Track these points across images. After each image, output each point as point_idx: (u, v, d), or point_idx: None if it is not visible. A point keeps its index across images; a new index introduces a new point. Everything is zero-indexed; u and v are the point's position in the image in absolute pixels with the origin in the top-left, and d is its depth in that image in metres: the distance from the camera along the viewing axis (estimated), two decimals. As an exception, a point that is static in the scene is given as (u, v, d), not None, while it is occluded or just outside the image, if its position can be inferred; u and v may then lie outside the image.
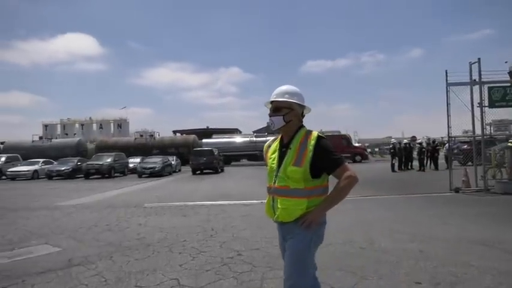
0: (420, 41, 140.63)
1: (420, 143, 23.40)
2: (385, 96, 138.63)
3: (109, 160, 25.17)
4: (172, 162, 27.74)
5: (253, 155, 35.29)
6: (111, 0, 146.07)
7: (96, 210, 9.67)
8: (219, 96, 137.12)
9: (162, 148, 37.40)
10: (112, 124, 67.39)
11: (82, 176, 24.54)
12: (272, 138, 2.58)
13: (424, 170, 21.05)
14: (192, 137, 41.46)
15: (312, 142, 2.25)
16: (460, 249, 5.04)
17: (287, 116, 2.34)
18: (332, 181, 2.34)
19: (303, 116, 2.45)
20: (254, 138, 37.32)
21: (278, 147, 2.42)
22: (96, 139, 46.50)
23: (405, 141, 24.84)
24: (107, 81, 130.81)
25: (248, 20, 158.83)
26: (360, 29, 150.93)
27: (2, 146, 37.99)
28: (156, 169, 23.80)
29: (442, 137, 29.75)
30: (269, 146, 2.54)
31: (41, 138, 40.60)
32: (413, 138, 29.32)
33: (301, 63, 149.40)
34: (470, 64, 11.33)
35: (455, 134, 11.91)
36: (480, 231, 6.15)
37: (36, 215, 9.04)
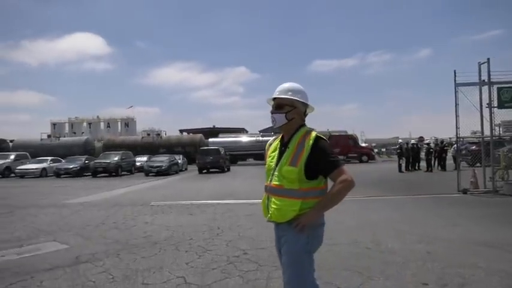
0: (428, 41, 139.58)
1: (428, 144, 23.22)
2: (392, 96, 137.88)
3: (116, 159, 25.34)
4: (179, 161, 27.84)
5: (260, 154, 35.22)
6: (119, 0, 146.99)
7: (104, 208, 9.74)
8: (226, 96, 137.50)
9: (169, 147, 37.56)
10: (119, 123, 67.92)
11: (89, 174, 24.73)
12: (274, 136, 2.56)
13: (431, 171, 20.90)
14: (199, 136, 41.59)
15: (310, 142, 2.19)
16: (468, 251, 5.00)
17: (289, 113, 2.30)
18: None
19: (305, 115, 2.41)
20: (260, 138, 37.29)
21: (278, 146, 2.39)
22: (103, 138, 46.91)
23: (412, 141, 24.67)
24: (115, 81, 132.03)
25: (255, 19, 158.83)
26: (368, 28, 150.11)
27: (11, 144, 38.40)
28: (163, 168, 23.91)
29: (450, 138, 29.54)
30: (270, 145, 2.50)
31: (49, 136, 41.04)
32: (421, 139, 29.14)
33: (308, 62, 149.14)
34: (480, 64, 11.21)
35: (464, 135, 11.79)
36: (488, 233, 6.09)
37: (44, 213, 9.13)
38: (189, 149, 37.54)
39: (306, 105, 2.37)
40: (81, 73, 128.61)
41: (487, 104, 11.09)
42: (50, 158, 27.99)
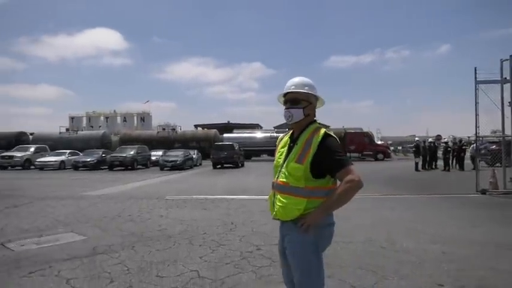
0: (448, 36, 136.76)
1: (446, 142, 22.78)
2: (409, 93, 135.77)
3: (132, 152, 25.69)
4: (194, 156, 28.03)
5: (274, 150, 35.09)
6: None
7: (120, 201, 9.90)
8: (241, 91, 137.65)
9: (184, 142, 37.83)
10: (135, 117, 68.76)
11: (106, 167, 25.13)
12: (285, 132, 2.52)
13: (449, 170, 20.51)
14: (213, 131, 41.76)
15: (317, 140, 2.13)
16: (486, 253, 4.89)
17: (306, 109, 2.25)
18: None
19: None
20: (275, 134, 37.16)
21: (288, 142, 2.33)
22: (120, 132, 47.56)
23: (430, 140, 24.20)
24: (132, 76, 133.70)
25: (272, 15, 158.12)
26: (386, 24, 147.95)
27: (31, 137, 39.33)
28: (178, 162, 24.12)
29: (468, 137, 28.88)
30: (281, 140, 2.44)
31: (67, 130, 41.82)
32: (438, 137, 28.66)
33: (324, 58, 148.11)
34: (502, 61, 10.91)
35: (484, 134, 11.51)
36: (508, 234, 5.96)
37: (62, 204, 9.34)
38: (203, 144, 37.76)
39: (316, 101, 2.33)
40: (99, 68, 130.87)
41: (509, 102, 10.79)
42: (68, 151, 28.57)
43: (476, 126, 11.05)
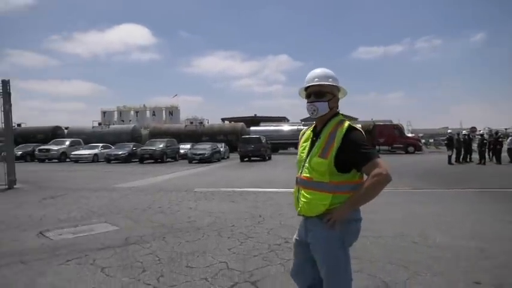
0: (483, 24, 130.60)
1: (482, 135, 21.84)
2: (442, 84, 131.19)
3: (161, 146, 26.24)
4: (221, 149, 28.30)
5: (301, 143, 34.92)
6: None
7: (150, 193, 10.14)
8: (267, 84, 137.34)
9: (211, 135, 38.26)
10: (164, 111, 69.86)
11: (137, 160, 25.81)
12: (299, 125, 2.44)
13: (484, 163, 19.69)
14: (240, 124, 41.93)
15: (341, 133, 2.06)
16: (526, 249, 4.67)
17: (331, 102, 2.19)
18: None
19: None
20: (302, 127, 36.82)
21: (311, 136, 2.27)
22: (149, 125, 48.53)
23: (464, 132, 23.29)
24: (160, 70, 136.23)
25: (298, 6, 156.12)
26: (416, 12, 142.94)
27: (66, 131, 40.91)
28: (206, 155, 24.43)
29: (506, 129, 27.61)
30: (304, 134, 2.39)
31: (100, 124, 43.17)
32: (473, 129, 27.53)
33: (352, 49, 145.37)
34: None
35: (523, 126, 10.95)
36: (549, 231, 5.66)
37: (96, 196, 9.67)
38: (230, 137, 38.02)
39: (339, 92, 2.27)
40: (128, 63, 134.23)
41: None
42: (101, 144, 29.56)
43: (515, 118, 10.52)
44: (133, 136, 37.87)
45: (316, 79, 2.20)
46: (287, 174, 15.32)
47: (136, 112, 70.74)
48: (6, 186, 11.02)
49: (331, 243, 2.11)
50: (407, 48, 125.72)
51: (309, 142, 2.26)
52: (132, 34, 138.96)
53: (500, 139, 21.04)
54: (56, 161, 27.72)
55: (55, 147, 28.61)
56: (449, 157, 20.28)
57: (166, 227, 6.02)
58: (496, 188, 10.51)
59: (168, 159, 26.07)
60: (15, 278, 3.80)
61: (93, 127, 41.43)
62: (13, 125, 12.51)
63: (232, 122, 46.99)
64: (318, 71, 2.24)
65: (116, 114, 70.10)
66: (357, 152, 2.04)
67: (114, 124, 48.60)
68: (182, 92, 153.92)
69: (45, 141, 32.77)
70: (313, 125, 2.33)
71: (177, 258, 4.38)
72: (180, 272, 3.93)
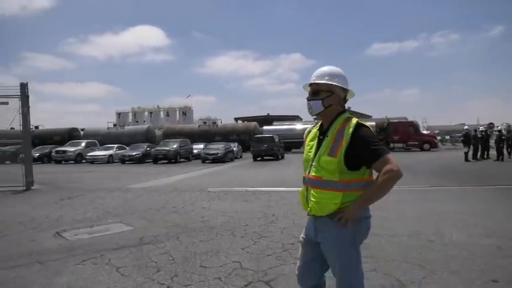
0: (501, 17, 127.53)
1: (499, 131, 21.35)
2: (458, 79, 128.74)
3: (175, 146, 26.46)
4: (234, 149, 28.39)
5: (314, 142, 34.72)
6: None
7: (164, 193, 10.23)
8: (280, 83, 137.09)
9: (224, 135, 38.42)
10: (177, 112, 70.37)
11: (151, 160, 26.09)
12: (313, 124, 2.42)
13: (502, 160, 19.25)
14: (253, 124, 41.99)
15: (350, 130, 2.03)
16: (546, 248, 4.55)
17: (326, 100, 2.14)
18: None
19: (345, 100, 2.23)
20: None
21: (317, 135, 2.23)
22: (163, 126, 48.99)
23: (481, 128, 22.81)
24: (173, 71, 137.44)
25: (311, 4, 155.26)
26: (431, 7, 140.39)
27: (82, 132, 41.63)
28: (219, 155, 24.53)
29: (525, 124, 26.94)
30: (309, 132, 2.34)
31: (115, 125, 43.86)
32: (491, 125, 26.95)
33: (366, 46, 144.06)
34: None
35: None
36: None
37: (111, 196, 9.80)
38: (243, 136, 38.12)
39: (345, 90, 2.19)
40: (142, 65, 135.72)
41: None
42: (115, 145, 30.01)
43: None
44: (148, 137, 38.33)
45: (314, 78, 2.20)
46: (300, 173, 15.24)
47: (151, 113, 71.44)
48: (24, 188, 11.26)
49: (344, 242, 2.10)
50: (423, 43, 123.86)
51: (315, 141, 2.23)
52: (146, 35, 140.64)
53: (519, 135, 20.53)
54: (72, 162, 28.22)
55: (71, 149, 29.14)
56: (466, 154, 19.89)
57: (180, 227, 6.06)
58: (514, 185, 10.26)
59: (181, 160, 26.27)
60: (33, 278, 3.87)
61: (108, 128, 42.10)
62: (31, 127, 12.78)
63: (245, 122, 47.08)
64: (321, 69, 2.23)
65: (130, 115, 70.95)
66: (367, 149, 2.02)
67: (128, 125, 49.33)
68: (195, 92, 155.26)
69: (62, 142, 33.47)
70: (319, 123, 2.30)
71: (191, 258, 4.40)
72: (194, 271, 3.96)
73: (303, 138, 2.44)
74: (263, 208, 7.53)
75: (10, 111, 11.52)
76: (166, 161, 25.37)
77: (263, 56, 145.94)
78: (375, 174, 2.13)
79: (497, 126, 25.96)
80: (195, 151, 28.31)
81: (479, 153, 20.68)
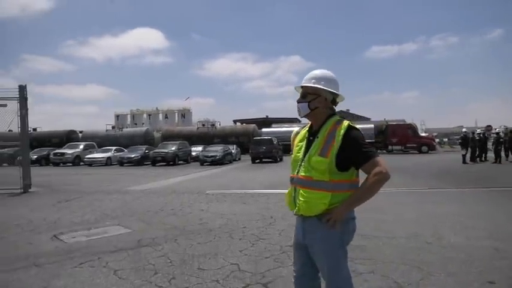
0: (500, 20, 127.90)
1: (497, 133, 21.43)
2: (457, 82, 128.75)
3: (174, 148, 26.42)
4: (233, 151, 28.38)
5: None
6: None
7: (162, 195, 10.21)
8: (279, 86, 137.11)
9: (223, 137, 38.41)
10: (176, 114, 70.28)
11: (149, 163, 26.06)
12: (302, 126, 2.45)
13: (500, 162, 19.32)
14: (252, 126, 42.00)
15: (341, 132, 2.07)
16: (543, 250, 4.56)
17: (313, 102, 2.20)
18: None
19: (335, 103, 2.29)
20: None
21: (306, 136, 2.27)
22: (161, 128, 48.94)
23: (478, 131, 22.87)
24: (172, 73, 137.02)
25: (310, 6, 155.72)
26: (430, 9, 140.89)
27: (80, 134, 41.57)
28: (217, 157, 24.51)
29: (522, 127, 27.04)
30: (297, 133, 2.38)
31: (113, 127, 43.77)
32: (489, 128, 27.03)
33: (365, 48, 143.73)
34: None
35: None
36: None
37: (109, 198, 9.79)
38: (242, 139, 38.10)
39: (333, 93, 2.23)
40: (142, 67, 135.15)
41: None
42: (114, 147, 29.92)
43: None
44: (146, 139, 38.26)
45: (303, 81, 2.27)
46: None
47: (149, 115, 71.34)
48: (22, 190, 11.23)
49: (332, 243, 2.13)
50: (422, 46, 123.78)
51: (305, 142, 2.26)
52: (145, 38, 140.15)
53: (517, 137, 20.60)
54: (70, 164, 28.15)
55: (69, 151, 29.06)
56: (464, 156, 19.94)
57: (178, 229, 6.06)
58: (511, 187, 10.29)
59: (180, 162, 26.25)
60: (30, 282, 3.86)
61: (106, 130, 41.99)
62: (29, 129, 12.75)
63: (244, 124, 47.12)
64: (312, 72, 2.29)
65: (129, 118, 70.82)
66: (358, 151, 2.06)
67: (127, 127, 49.22)
68: (194, 95, 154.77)
69: (60, 145, 33.39)
70: (308, 125, 2.34)
71: (189, 260, 4.40)
72: (192, 274, 3.95)
73: None
74: (261, 210, 7.52)
75: (8, 113, 11.51)
76: (164, 163, 25.33)
77: (262, 58, 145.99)
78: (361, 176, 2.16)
79: (495, 129, 26.01)
80: (193, 153, 28.28)
81: (476, 156, 20.73)
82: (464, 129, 22.06)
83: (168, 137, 38.77)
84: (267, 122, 50.19)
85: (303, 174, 2.16)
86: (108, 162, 27.16)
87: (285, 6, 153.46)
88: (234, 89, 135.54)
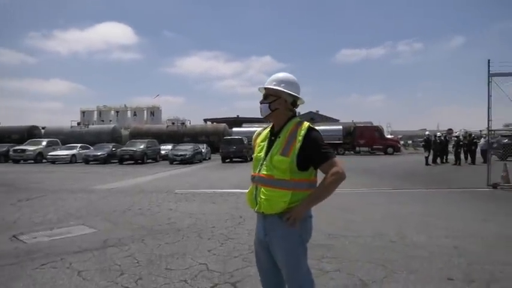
0: (462, 28, 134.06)
1: (457, 136, 22.49)
2: (421, 87, 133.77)
3: (142, 147, 25.89)
4: (203, 150, 28.14)
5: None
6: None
7: (130, 194, 9.99)
8: (251, 85, 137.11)
9: (193, 136, 38.02)
10: (145, 112, 69.04)
11: (116, 161, 25.40)
12: (263, 126, 2.48)
13: (459, 164, 20.28)
14: (223, 125, 41.85)
15: (302, 133, 2.15)
16: (498, 247, 4.83)
17: (273, 104, 2.26)
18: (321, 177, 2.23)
19: (296, 106, 2.35)
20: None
21: (268, 136, 2.34)
22: (130, 126, 47.83)
23: (439, 134, 23.94)
24: (142, 70, 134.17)
25: (282, 8, 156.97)
26: (397, 16, 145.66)
27: (43, 130, 39.87)
28: (187, 156, 24.25)
29: (480, 131, 28.51)
30: (259, 134, 2.44)
31: (78, 124, 42.30)
32: (450, 131, 28.27)
33: (335, 51, 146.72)
34: (516, 53, 10.68)
35: (496, 128, 11.33)
36: (520, 229, 5.86)
37: (74, 197, 9.46)
38: (213, 138, 37.88)
39: (295, 96, 2.30)
40: (110, 62, 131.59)
41: (523, 95, 10.57)
42: (79, 145, 28.89)
43: (489, 120, 10.88)
44: (114, 136, 37.21)
45: (266, 83, 2.33)
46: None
47: (117, 112, 69.60)
48: (-21, 188, 10.66)
49: (292, 241, 2.18)
50: (389, 51, 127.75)
51: (266, 142, 2.32)
52: (114, 33, 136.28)
53: (475, 141, 21.71)
54: (32, 161, 26.95)
55: (31, 148, 27.77)
56: (427, 158, 20.77)
57: (145, 229, 5.94)
58: (470, 188, 10.82)
59: (148, 160, 25.75)
60: (-13, 283, 3.67)
61: (71, 127, 40.53)
62: (-14, 125, 12.10)
63: (215, 123, 46.84)
64: (274, 75, 2.35)
65: (95, 114, 68.78)
66: (317, 151, 2.14)
67: (93, 124, 47.68)
68: (164, 93, 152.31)
69: (21, 141, 31.80)
70: (270, 126, 2.40)
71: (156, 261, 4.33)
72: (159, 274, 3.89)
73: None
74: (231, 210, 7.52)
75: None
76: (132, 162, 24.77)
77: (234, 57, 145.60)
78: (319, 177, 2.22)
79: (456, 132, 27.29)
80: (162, 152, 27.84)
81: (438, 158, 21.65)
82: (427, 132, 22.96)
83: (137, 135, 37.95)
84: (238, 121, 50.16)
85: (264, 172, 2.21)
86: (72, 160, 26.20)
87: (258, 6, 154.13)
88: (205, 88, 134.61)
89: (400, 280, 3.68)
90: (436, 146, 21.56)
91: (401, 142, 45.08)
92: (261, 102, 2.33)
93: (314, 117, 56.45)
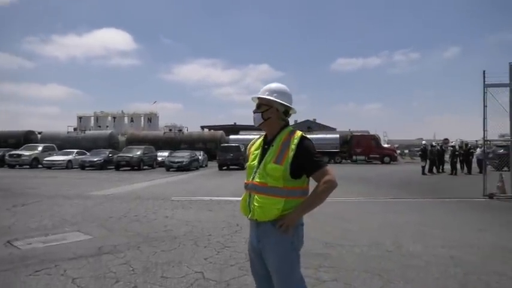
0: (458, 39, 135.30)
1: (453, 146, 22.60)
2: (417, 96, 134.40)
3: (139, 153, 25.81)
4: (200, 157, 28.09)
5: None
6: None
7: (126, 201, 9.94)
8: (248, 93, 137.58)
9: (190, 143, 37.98)
10: (142, 118, 69.00)
11: (113, 167, 25.27)
12: (261, 134, 2.51)
13: (456, 174, 20.35)
14: (220, 133, 41.87)
15: (295, 141, 2.20)
16: (494, 257, 4.84)
17: (266, 113, 2.32)
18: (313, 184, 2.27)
19: (288, 115, 2.39)
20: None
21: (261, 144, 2.39)
22: (127, 132, 47.76)
23: (434, 143, 24.06)
24: (139, 76, 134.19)
25: (280, 16, 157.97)
26: (394, 26, 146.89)
27: (39, 136, 39.70)
28: (184, 163, 24.18)
29: (476, 141, 28.66)
30: (253, 144, 2.49)
31: (75, 129, 42.25)
32: (446, 141, 28.34)
33: (331, 60, 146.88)
34: (510, 65, 10.80)
35: (492, 138, 11.41)
36: (515, 239, 5.88)
37: (69, 203, 9.40)
38: (209, 145, 37.88)
39: (287, 105, 2.35)
40: (107, 68, 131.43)
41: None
42: (75, 150, 28.76)
43: (484, 130, 10.94)
44: (110, 142, 37.07)
45: (259, 93, 2.39)
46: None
47: (114, 118, 69.51)
48: (-26, 193, 10.57)
49: (285, 248, 2.20)
50: (386, 60, 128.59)
51: (260, 150, 2.37)
52: (112, 39, 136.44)
53: (471, 150, 21.81)
54: (28, 167, 26.78)
55: (27, 153, 27.60)
56: (423, 168, 20.84)
57: (141, 236, 5.91)
58: (466, 198, 10.85)
59: (145, 167, 25.69)
60: (-20, 290, 3.64)
61: (68, 132, 40.39)
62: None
63: (212, 130, 46.90)
64: (268, 85, 2.41)
65: (92, 120, 68.68)
66: (310, 160, 2.19)
67: (90, 130, 47.56)
68: (162, 99, 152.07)
69: (17, 146, 31.61)
70: (263, 135, 2.44)
71: (152, 268, 4.30)
72: (155, 282, 3.87)
73: None
74: (227, 218, 7.49)
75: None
76: (129, 168, 24.69)
77: (232, 65, 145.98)
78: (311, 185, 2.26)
79: (452, 142, 27.40)
80: (159, 159, 27.75)
81: (434, 167, 21.72)
82: (423, 142, 23.06)
83: (134, 141, 37.90)
84: (235, 129, 50.22)
85: (258, 180, 2.25)
86: (68, 165, 26.08)
87: (256, 14, 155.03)
88: (203, 95, 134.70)
89: (396, 290, 3.67)
90: (433, 156, 21.65)
91: (398, 151, 45.22)
92: (254, 112, 2.39)
93: (311, 125, 56.57)
